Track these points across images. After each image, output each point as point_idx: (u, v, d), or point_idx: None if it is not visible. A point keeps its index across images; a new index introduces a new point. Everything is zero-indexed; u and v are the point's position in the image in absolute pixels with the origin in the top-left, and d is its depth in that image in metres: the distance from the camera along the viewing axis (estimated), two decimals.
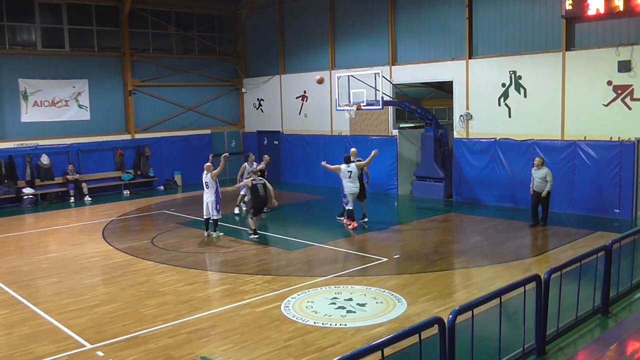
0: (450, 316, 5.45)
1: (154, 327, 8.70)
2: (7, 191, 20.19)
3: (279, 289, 10.26)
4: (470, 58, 18.18)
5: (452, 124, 19.01)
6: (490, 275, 10.87)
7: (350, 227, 15.04)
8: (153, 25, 24.23)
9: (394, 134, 20.54)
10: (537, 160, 14.82)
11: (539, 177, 14.53)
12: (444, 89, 21.97)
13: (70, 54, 22.05)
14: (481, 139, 18.12)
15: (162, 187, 23.61)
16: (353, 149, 16.38)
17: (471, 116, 18.31)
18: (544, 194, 14.45)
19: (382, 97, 17.32)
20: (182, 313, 9.31)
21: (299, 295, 9.94)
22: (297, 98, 23.87)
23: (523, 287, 6.52)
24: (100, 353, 7.84)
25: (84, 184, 21.44)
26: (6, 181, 20.31)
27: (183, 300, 9.89)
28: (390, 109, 20.28)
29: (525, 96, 17.03)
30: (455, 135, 18.82)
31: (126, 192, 22.59)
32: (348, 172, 15.07)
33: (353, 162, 15.25)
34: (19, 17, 20.97)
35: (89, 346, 8.10)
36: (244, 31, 26.32)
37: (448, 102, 20.26)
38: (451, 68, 18.69)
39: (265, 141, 25.73)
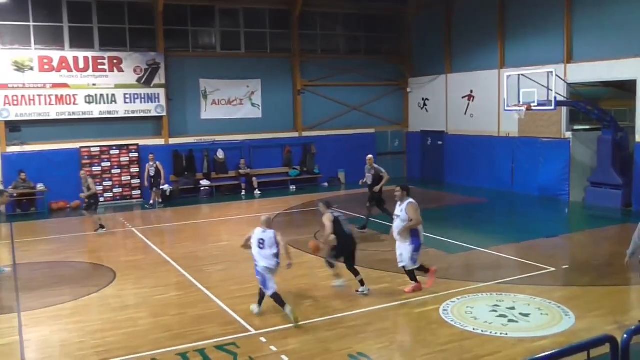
0: (625, 336, 4.99)
1: (313, 320, 8.95)
2: (187, 182, 22.01)
3: (437, 292, 10.10)
4: None
5: (634, 127, 17.42)
6: None
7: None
8: (322, 26, 25.00)
9: (566, 136, 19.31)
10: None
11: None
12: (625, 88, 20.21)
13: (245, 56, 23.46)
14: None
15: (326, 184, 24.27)
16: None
17: None
18: None
19: (555, 97, 16.38)
20: (340, 308, 9.49)
21: (458, 299, 9.71)
22: (463, 98, 23.33)
23: None
24: (263, 339, 8.25)
25: (254, 178, 22.70)
26: (186, 173, 22.15)
27: (341, 296, 10.07)
28: (564, 109, 19.09)
29: None
30: (637, 139, 17.22)
31: (292, 188, 23.53)
32: None
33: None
34: (200, 22, 22.82)
35: (253, 331, 8.56)
36: (409, 30, 26.24)
37: (629, 103, 18.63)
38: (634, 65, 17.15)
39: (429, 141, 25.45)
